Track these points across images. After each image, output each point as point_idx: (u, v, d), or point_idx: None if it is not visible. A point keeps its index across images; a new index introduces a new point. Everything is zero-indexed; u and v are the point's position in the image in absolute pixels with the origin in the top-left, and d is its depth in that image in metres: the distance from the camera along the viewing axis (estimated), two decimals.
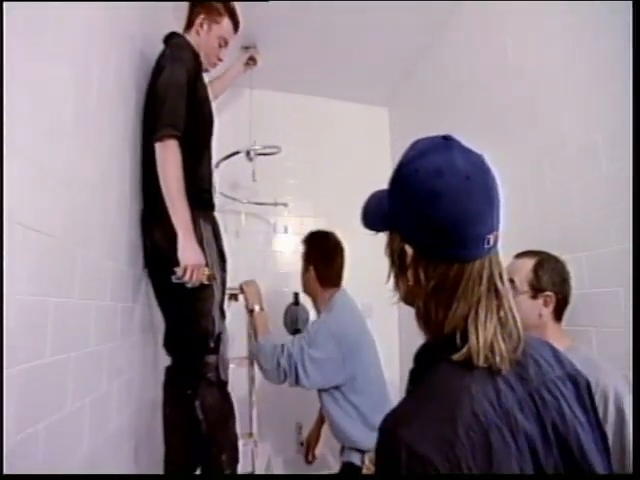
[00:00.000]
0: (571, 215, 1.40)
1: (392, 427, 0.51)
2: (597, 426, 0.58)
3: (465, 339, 0.53)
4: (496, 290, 0.56)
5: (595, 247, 1.31)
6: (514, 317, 0.56)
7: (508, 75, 1.72)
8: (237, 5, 1.65)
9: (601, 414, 0.99)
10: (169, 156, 1.26)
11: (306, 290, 1.91)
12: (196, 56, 1.46)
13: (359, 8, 2.07)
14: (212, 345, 1.40)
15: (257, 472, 1.85)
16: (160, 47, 1.50)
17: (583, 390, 0.59)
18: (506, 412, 0.50)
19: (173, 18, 2.03)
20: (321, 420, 2.04)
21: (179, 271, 1.23)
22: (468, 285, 0.55)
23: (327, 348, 1.64)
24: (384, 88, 2.91)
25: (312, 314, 2.64)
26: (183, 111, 1.30)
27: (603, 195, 1.28)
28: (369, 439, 1.56)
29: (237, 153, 2.34)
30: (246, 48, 2.38)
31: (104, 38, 1.14)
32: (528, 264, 1.22)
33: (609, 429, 0.99)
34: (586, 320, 1.31)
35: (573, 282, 1.23)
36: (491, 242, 0.56)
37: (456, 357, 0.53)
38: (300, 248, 1.94)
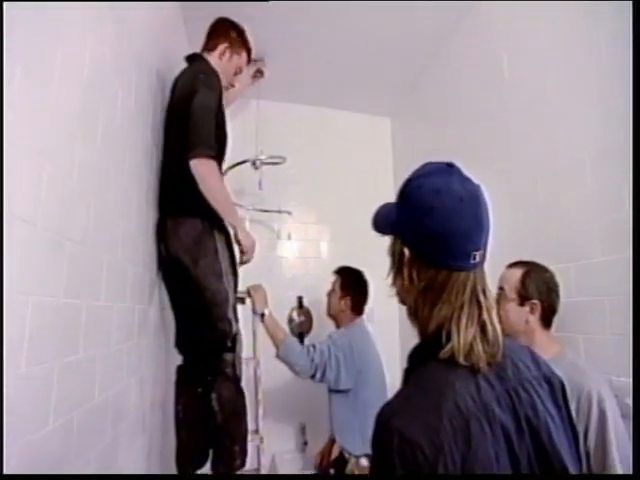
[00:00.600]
0: (562, 227, 1.49)
1: (386, 417, 0.59)
2: (568, 420, 0.66)
3: (449, 339, 0.62)
4: (478, 301, 0.65)
5: (582, 258, 1.39)
6: (494, 326, 0.64)
7: (504, 91, 1.82)
8: (245, 19, 1.76)
9: (585, 415, 1.08)
10: (211, 172, 1.39)
11: (333, 313, 2.23)
12: (221, 83, 1.57)
13: (364, 24, 2.17)
14: (229, 344, 1.50)
15: (262, 469, 1.93)
16: (172, 64, 1.60)
17: (557, 389, 0.67)
18: (485, 405, 0.58)
19: (185, 35, 2.14)
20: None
21: (245, 254, 1.55)
22: (452, 291, 0.64)
23: (346, 353, 1.97)
24: (387, 100, 3.00)
25: (315, 316, 2.74)
26: (214, 134, 1.42)
27: (589, 209, 1.37)
28: (361, 447, 1.88)
29: (244, 162, 2.43)
30: (254, 61, 2.47)
31: (124, 55, 1.21)
32: (517, 274, 1.31)
33: (592, 428, 1.07)
34: (574, 327, 1.39)
35: (562, 291, 1.32)
36: (477, 258, 0.65)
37: (442, 354, 0.62)
38: (306, 254, 2.14)
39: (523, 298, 1.28)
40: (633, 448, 1.03)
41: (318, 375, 1.95)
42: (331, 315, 2.26)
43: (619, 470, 1.03)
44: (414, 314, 0.69)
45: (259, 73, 2.46)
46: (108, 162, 1.07)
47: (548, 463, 0.60)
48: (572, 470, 0.60)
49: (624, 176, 1.21)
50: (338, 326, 2.21)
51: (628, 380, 1.17)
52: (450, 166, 0.69)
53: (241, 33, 1.71)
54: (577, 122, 1.43)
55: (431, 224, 0.64)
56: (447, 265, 0.65)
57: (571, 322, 1.37)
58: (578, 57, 1.43)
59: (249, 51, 1.76)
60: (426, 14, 2.09)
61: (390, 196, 2.13)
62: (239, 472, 1.53)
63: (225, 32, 1.69)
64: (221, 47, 1.66)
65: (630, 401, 1.14)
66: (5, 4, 0.61)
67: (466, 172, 0.69)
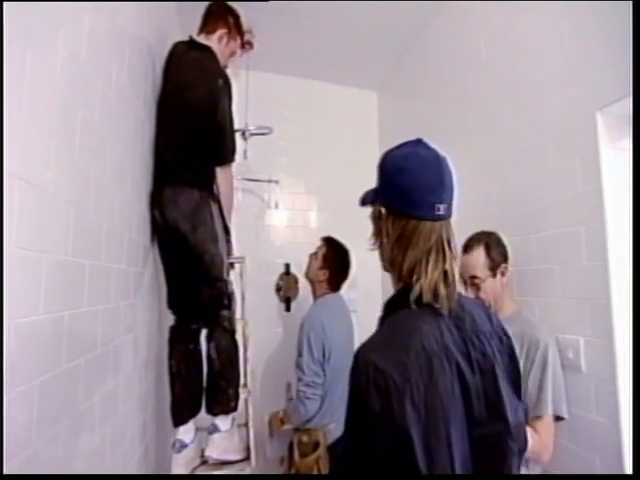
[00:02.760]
0: (526, 201, 1.60)
1: (364, 352, 0.72)
2: (513, 371, 0.80)
3: (418, 281, 0.75)
4: (443, 250, 0.77)
5: (541, 230, 1.51)
6: (453, 275, 0.77)
7: (480, 71, 1.90)
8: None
9: (531, 358, 1.28)
10: (230, 177, 1.66)
11: (311, 279, 2.28)
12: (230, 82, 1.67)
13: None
14: (226, 302, 1.64)
15: (250, 421, 2.09)
16: (162, 36, 1.64)
17: (505, 344, 0.81)
18: (445, 346, 0.71)
19: (175, 7, 2.16)
20: None
21: None
22: (420, 238, 0.77)
23: (317, 332, 2.03)
24: (374, 74, 3.04)
25: (301, 282, 2.87)
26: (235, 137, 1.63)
27: (548, 186, 1.48)
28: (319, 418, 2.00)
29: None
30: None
31: (119, 33, 1.26)
32: (480, 254, 1.42)
33: (534, 369, 1.27)
34: (531, 292, 1.54)
35: (524, 260, 1.45)
36: (441, 210, 0.77)
37: (412, 294, 0.75)
38: (295, 223, 2.41)
39: (493, 269, 1.41)
40: (633, 448, 1.15)
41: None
42: (308, 279, 2.31)
43: (549, 406, 1.22)
44: (390, 263, 0.82)
45: (248, 45, 2.46)
46: (104, 133, 1.13)
47: (491, 399, 0.73)
48: (508, 410, 0.73)
49: (578, 158, 1.33)
50: (314, 294, 2.28)
51: (571, 337, 1.33)
52: (419, 140, 0.83)
53: (237, 18, 1.77)
54: (541, 107, 1.53)
55: (400, 181, 0.78)
56: (415, 215, 0.77)
57: (529, 287, 1.51)
58: (545, 46, 1.51)
59: (242, 35, 1.83)
60: None
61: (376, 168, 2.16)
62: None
63: (223, 17, 1.74)
64: (219, 32, 1.71)
65: (571, 355, 1.30)
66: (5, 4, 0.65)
67: (436, 145, 0.81)
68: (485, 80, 1.86)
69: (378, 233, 0.84)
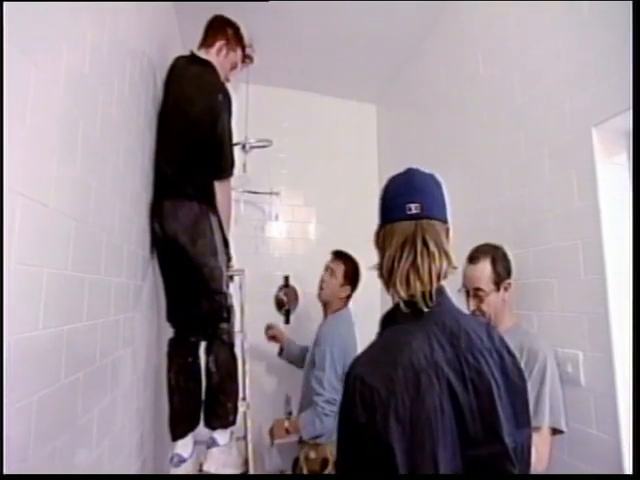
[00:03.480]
0: (524, 215, 1.61)
1: (353, 366, 0.74)
2: (514, 387, 0.77)
3: (393, 277, 0.80)
4: (414, 244, 0.80)
5: (540, 244, 1.52)
6: (428, 269, 0.78)
7: (478, 86, 1.92)
8: (236, 6, 1.84)
9: (529, 369, 1.27)
10: (228, 191, 1.67)
11: (329, 298, 2.22)
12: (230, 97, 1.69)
13: (351, 13, 2.24)
14: (225, 315, 1.64)
15: (249, 434, 2.07)
16: (163, 50, 1.67)
17: (507, 362, 0.79)
18: (435, 363, 0.71)
19: (176, 22, 2.19)
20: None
21: None
22: (394, 237, 0.82)
23: (340, 346, 2.02)
24: (373, 87, 3.08)
25: (300, 294, 2.86)
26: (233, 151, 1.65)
27: (546, 200, 1.50)
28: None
29: (235, 145, 2.50)
30: None
31: (121, 47, 1.29)
32: (486, 267, 1.42)
33: (532, 380, 1.26)
34: (530, 305, 1.54)
35: (522, 274, 1.45)
36: (412, 209, 0.81)
37: (390, 286, 0.80)
38: (294, 235, 2.47)
39: (498, 283, 1.41)
40: (633, 448, 1.16)
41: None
42: (324, 300, 2.25)
43: (546, 418, 1.22)
44: (379, 271, 0.86)
45: (248, 59, 2.49)
46: (105, 147, 1.15)
47: (487, 420, 0.72)
48: (505, 431, 0.72)
49: (575, 173, 1.35)
50: (326, 311, 2.24)
51: (571, 351, 1.33)
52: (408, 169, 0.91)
53: (237, 30, 1.79)
54: (538, 122, 1.55)
55: (380, 200, 0.89)
56: (390, 219, 0.84)
57: (528, 300, 1.51)
58: (542, 62, 1.53)
59: (244, 48, 1.85)
60: (409, 7, 2.17)
61: (374, 180, 2.33)
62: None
63: (222, 29, 1.76)
64: (218, 44, 1.73)
65: (570, 369, 1.30)
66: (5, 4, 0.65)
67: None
68: (482, 94, 1.88)
69: (377, 250, 0.88)
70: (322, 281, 2.24)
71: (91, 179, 1.04)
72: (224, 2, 1.93)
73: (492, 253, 1.43)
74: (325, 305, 2.26)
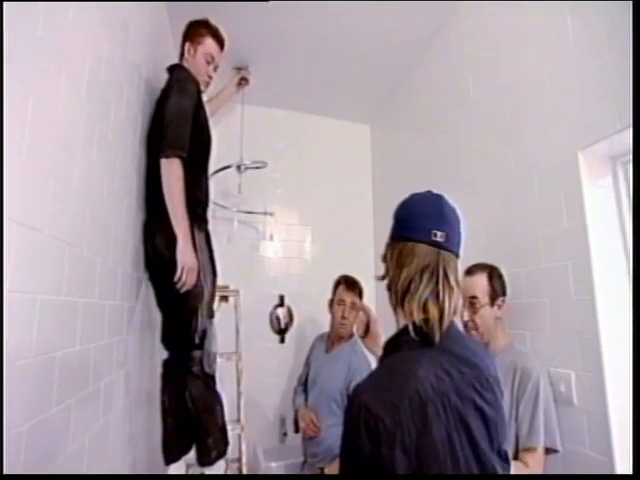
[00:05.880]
0: (515, 236, 1.63)
1: (358, 393, 0.71)
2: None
3: (410, 300, 0.78)
4: (437, 273, 0.78)
5: (531, 264, 1.54)
6: (447, 299, 0.77)
7: (469, 108, 1.96)
8: (229, 29, 1.84)
9: (523, 389, 1.30)
10: (173, 172, 1.45)
11: (350, 330, 2.15)
12: (198, 86, 1.65)
13: (346, 33, 2.30)
14: (197, 341, 1.57)
15: (244, 457, 2.05)
16: (163, 75, 1.69)
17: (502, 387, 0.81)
18: (442, 393, 0.69)
19: (173, 46, 2.23)
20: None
21: (177, 271, 1.42)
22: (414, 257, 0.80)
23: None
24: (367, 108, 3.13)
25: (295, 313, 2.86)
26: (188, 136, 1.50)
27: (536, 221, 1.52)
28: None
29: (229, 167, 2.54)
30: (238, 69, 2.56)
31: (118, 71, 1.31)
32: (483, 279, 1.45)
33: (525, 399, 1.28)
34: (523, 325, 1.55)
35: (514, 293, 1.47)
36: (438, 236, 0.80)
37: (405, 314, 0.78)
38: (289, 254, 2.50)
39: (493, 298, 1.43)
40: (633, 448, 1.15)
41: None
42: (346, 335, 2.17)
43: (541, 438, 1.23)
44: (389, 285, 0.85)
45: (244, 81, 2.55)
46: (101, 170, 1.16)
47: (497, 449, 0.73)
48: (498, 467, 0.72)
49: (563, 195, 1.38)
50: (339, 339, 2.19)
51: (563, 370, 1.34)
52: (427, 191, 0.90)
53: (196, 24, 1.78)
54: (527, 144, 1.58)
55: (402, 212, 0.87)
56: (411, 237, 0.82)
57: (520, 320, 1.53)
58: (529, 86, 1.57)
59: (217, 37, 1.79)
60: (403, 31, 2.24)
61: (368, 199, 2.39)
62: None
63: (184, 33, 1.77)
64: (186, 47, 1.75)
65: (563, 388, 1.31)
66: (5, 3, 0.65)
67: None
68: (474, 116, 1.92)
69: (385, 267, 0.87)
70: (343, 317, 2.14)
71: (86, 204, 1.06)
72: (224, 2, 1.98)
73: (489, 269, 1.47)
74: (347, 331, 2.18)
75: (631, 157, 1.14)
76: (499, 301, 1.44)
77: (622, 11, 1.17)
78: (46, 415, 0.83)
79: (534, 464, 1.22)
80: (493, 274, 1.47)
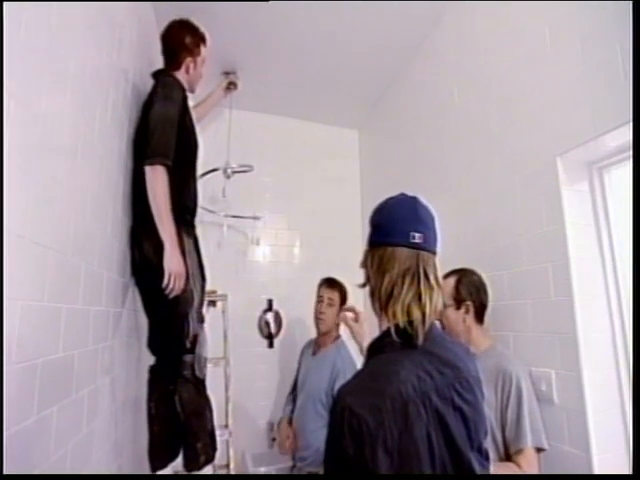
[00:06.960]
0: (498, 239, 1.67)
1: (341, 395, 0.73)
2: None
3: (393, 304, 0.79)
4: (418, 275, 0.80)
5: (513, 267, 1.57)
6: (429, 300, 0.79)
7: (454, 114, 2.00)
8: (217, 33, 1.87)
9: (507, 392, 1.32)
10: (158, 179, 1.45)
11: (328, 328, 2.19)
12: (184, 93, 1.65)
13: (334, 40, 2.33)
14: (188, 346, 1.57)
15: (232, 463, 2.04)
16: (150, 78, 1.70)
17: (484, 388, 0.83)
18: (423, 393, 0.71)
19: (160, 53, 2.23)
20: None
21: (165, 277, 1.42)
22: (395, 262, 0.81)
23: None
24: (355, 113, 3.16)
25: (284, 318, 2.86)
26: (173, 143, 1.50)
27: (518, 226, 1.55)
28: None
29: (215, 170, 2.54)
30: (226, 74, 2.56)
31: (104, 74, 1.30)
32: (451, 282, 1.50)
33: (510, 403, 1.30)
34: (506, 326, 1.58)
35: (497, 295, 1.49)
36: (416, 238, 0.82)
37: (389, 316, 0.79)
38: (277, 259, 2.57)
39: (458, 302, 1.46)
40: (633, 448, 1.18)
41: None
42: (325, 331, 2.20)
43: (529, 438, 1.24)
44: (371, 292, 0.86)
45: (232, 85, 2.56)
46: (86, 176, 1.16)
47: (477, 447, 0.75)
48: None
49: (543, 199, 1.41)
50: (324, 340, 2.21)
51: (545, 370, 1.37)
52: (400, 193, 0.91)
53: (190, 35, 1.76)
54: (509, 150, 1.62)
55: (378, 218, 0.88)
56: (390, 242, 0.83)
57: (504, 322, 1.55)
58: (511, 94, 1.62)
59: (204, 39, 1.81)
60: (390, 37, 2.27)
61: (357, 204, 2.41)
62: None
63: (181, 46, 1.75)
64: (185, 62, 1.74)
65: (544, 387, 1.34)
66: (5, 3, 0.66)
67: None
68: (458, 123, 1.96)
69: (365, 273, 0.88)
70: (320, 312, 2.19)
71: (70, 209, 1.05)
72: (224, 2, 1.99)
73: (461, 275, 1.51)
74: (324, 335, 2.21)
75: (631, 155, 1.16)
76: (465, 304, 1.48)
77: (596, 22, 1.21)
78: (25, 424, 0.82)
79: (526, 465, 1.25)
80: (463, 279, 1.51)
